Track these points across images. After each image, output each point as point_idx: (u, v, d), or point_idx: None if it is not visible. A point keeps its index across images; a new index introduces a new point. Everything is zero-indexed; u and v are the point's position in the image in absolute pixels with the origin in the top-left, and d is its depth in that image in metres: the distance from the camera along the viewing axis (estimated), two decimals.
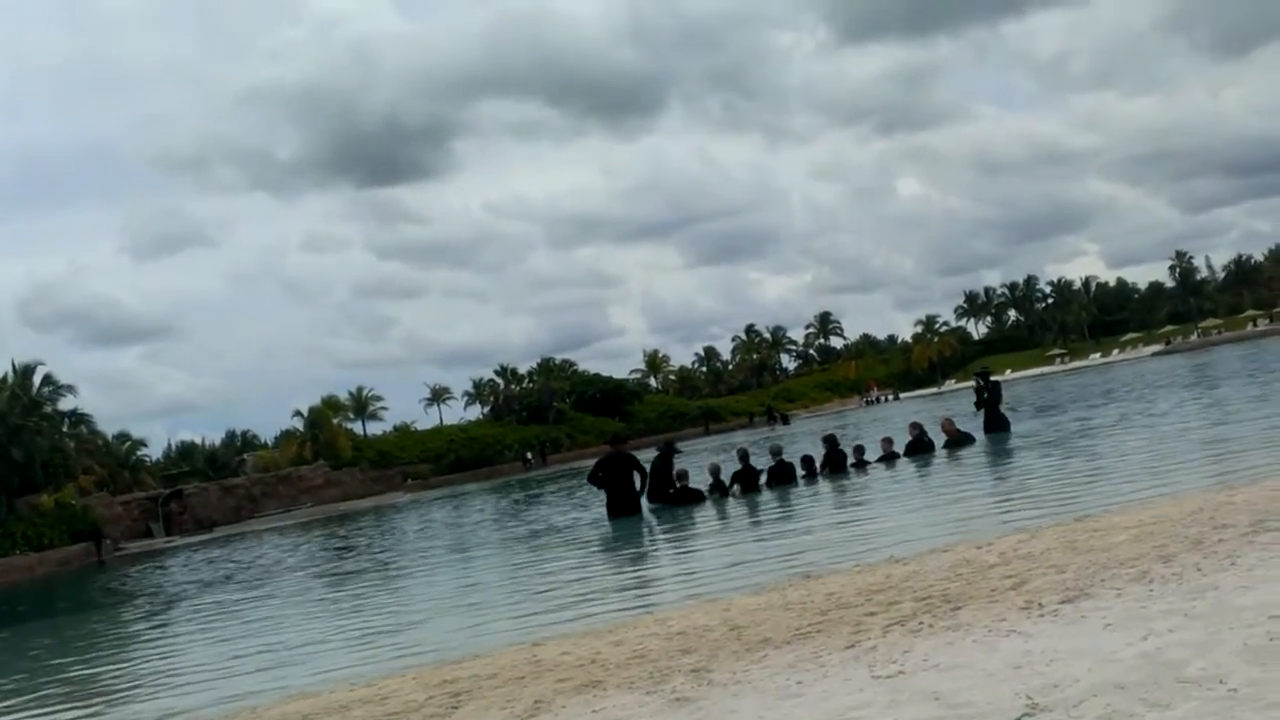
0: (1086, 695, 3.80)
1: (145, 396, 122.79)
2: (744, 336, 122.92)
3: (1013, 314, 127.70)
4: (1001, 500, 11.93)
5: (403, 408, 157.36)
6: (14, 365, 52.96)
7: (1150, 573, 5.75)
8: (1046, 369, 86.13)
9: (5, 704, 10.18)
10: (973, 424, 20.44)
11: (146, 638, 14.90)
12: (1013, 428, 20.58)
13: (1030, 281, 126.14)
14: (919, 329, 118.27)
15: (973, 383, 22.43)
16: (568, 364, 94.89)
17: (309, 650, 10.22)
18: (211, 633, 13.55)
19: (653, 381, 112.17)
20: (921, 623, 5.71)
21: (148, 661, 12.10)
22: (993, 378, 21.28)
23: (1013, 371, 78.72)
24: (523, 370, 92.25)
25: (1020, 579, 6.35)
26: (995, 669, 4.41)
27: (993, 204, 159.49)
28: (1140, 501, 9.17)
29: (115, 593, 25.69)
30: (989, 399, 20.46)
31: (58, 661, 13.30)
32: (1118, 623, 4.78)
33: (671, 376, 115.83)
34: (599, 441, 62.70)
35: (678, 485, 17.88)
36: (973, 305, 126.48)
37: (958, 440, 18.95)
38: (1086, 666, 4.16)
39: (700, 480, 18.59)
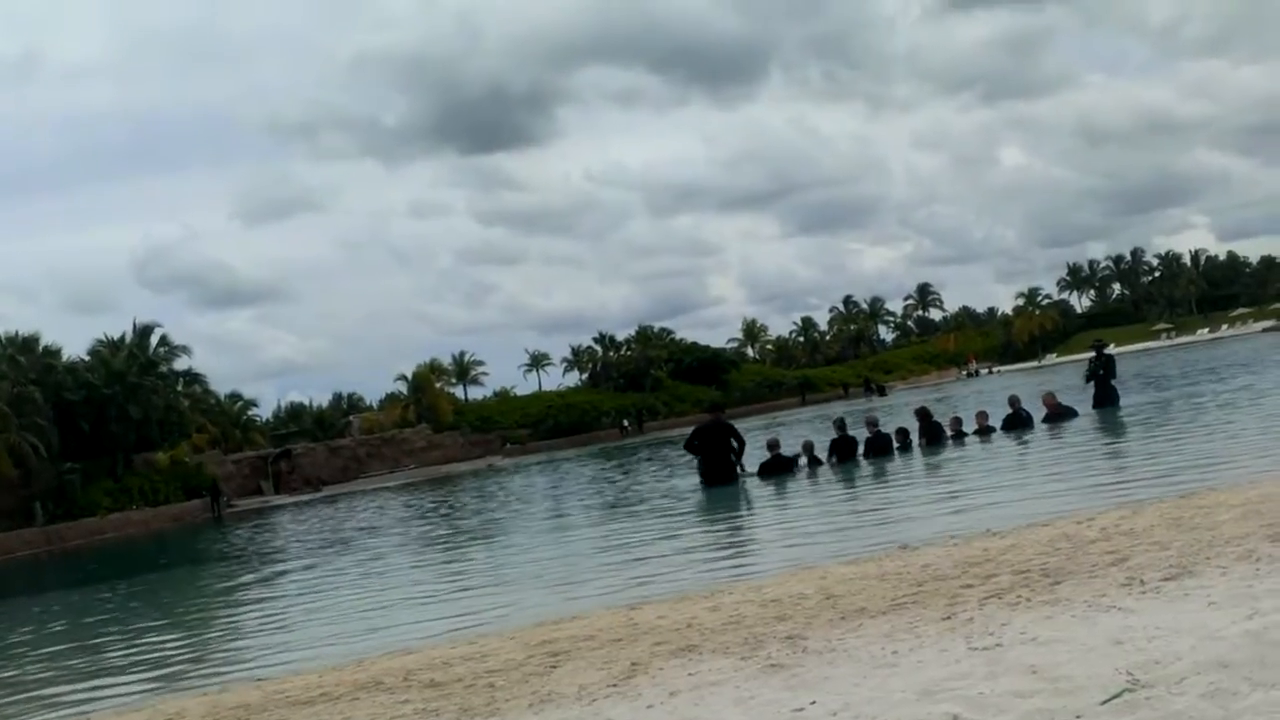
0: (1189, 673, 3.76)
1: (256, 358, 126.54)
2: (841, 308, 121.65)
3: (1117, 287, 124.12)
4: (1102, 475, 11.72)
5: (503, 373, 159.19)
6: (134, 325, 54.98)
7: (1256, 551, 5.63)
8: (1152, 344, 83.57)
9: (142, 642, 10.72)
10: (1080, 397, 20.01)
11: (258, 592, 15.48)
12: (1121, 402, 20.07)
13: (1136, 254, 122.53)
14: (1020, 302, 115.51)
15: (1087, 354, 21.86)
16: (665, 332, 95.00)
17: (412, 607, 10.54)
18: (319, 588, 14.01)
19: (750, 351, 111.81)
20: (1019, 596, 5.68)
21: (256, 616, 12.60)
22: (1107, 350, 20.69)
23: (1117, 346, 75.94)
24: (621, 338, 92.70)
25: (1121, 555, 6.27)
26: (1095, 644, 4.38)
27: (1098, 174, 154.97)
28: (1248, 479, 8.93)
29: (233, 547, 26.67)
30: (1102, 372, 19.92)
31: (177, 609, 13.93)
32: (1222, 601, 4.71)
33: (769, 346, 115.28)
34: (695, 410, 62.92)
35: (770, 455, 17.89)
36: (1076, 278, 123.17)
37: (1058, 414, 18.57)
38: (1189, 644, 4.12)
39: (792, 451, 18.56)
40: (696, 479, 18.00)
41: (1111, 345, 21.13)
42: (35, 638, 13.08)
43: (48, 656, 11.25)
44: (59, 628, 13.62)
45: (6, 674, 10.35)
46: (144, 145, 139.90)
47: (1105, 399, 19.68)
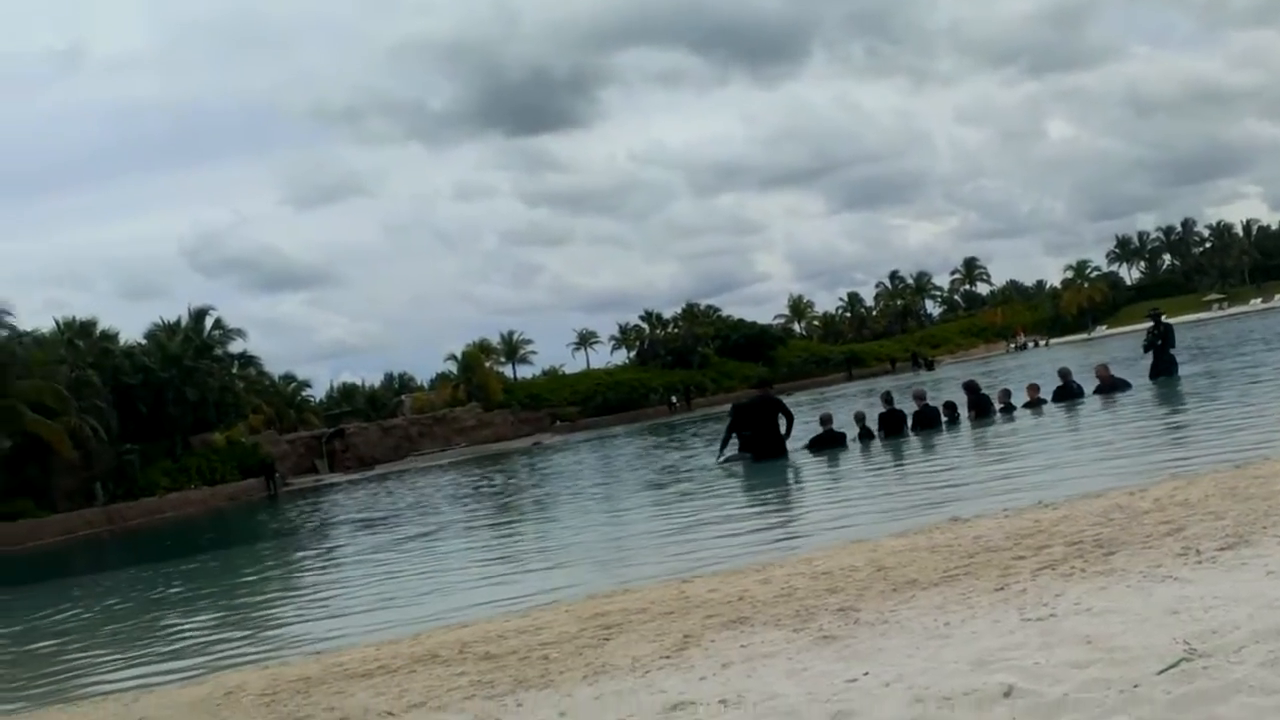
0: (1248, 641, 3.73)
1: (309, 340, 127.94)
2: (887, 283, 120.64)
3: (1168, 259, 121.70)
4: (1157, 446, 11.58)
5: (551, 352, 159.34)
6: (188, 309, 55.78)
7: None
8: (1204, 315, 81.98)
9: (198, 620, 10.96)
10: (1135, 369, 19.73)
11: (315, 568, 15.72)
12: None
13: (1187, 225, 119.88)
14: (1069, 274, 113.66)
15: (1139, 326, 21.55)
16: (712, 309, 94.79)
17: (467, 582, 10.66)
18: (376, 564, 14.19)
19: (796, 327, 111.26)
20: (1073, 567, 5.64)
21: (314, 592, 12.82)
22: (1165, 319, 20.34)
23: (1168, 318, 74.87)
24: (667, 315, 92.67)
25: (1177, 525, 6.20)
26: (1151, 614, 4.35)
27: (1147, 145, 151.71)
28: None
29: (289, 524, 27.11)
30: (1160, 342, 19.59)
31: (236, 585, 14.20)
32: None
33: (815, 322, 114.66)
34: (743, 386, 62.82)
35: (822, 429, 17.86)
36: (1125, 250, 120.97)
37: (1111, 386, 18.33)
38: (1247, 613, 4.07)
39: (845, 425, 18.50)
40: (745, 453, 17.92)
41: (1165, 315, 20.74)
42: (98, 614, 13.38)
43: (111, 632, 11.52)
44: (121, 604, 13.92)
45: (72, 648, 10.62)
46: (190, 134, 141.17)
47: (1163, 369, 19.33)
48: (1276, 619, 3.93)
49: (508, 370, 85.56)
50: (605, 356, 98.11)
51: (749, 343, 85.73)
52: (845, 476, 14.80)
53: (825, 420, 18.20)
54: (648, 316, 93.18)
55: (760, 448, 17.51)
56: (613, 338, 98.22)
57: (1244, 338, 34.54)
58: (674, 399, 72.59)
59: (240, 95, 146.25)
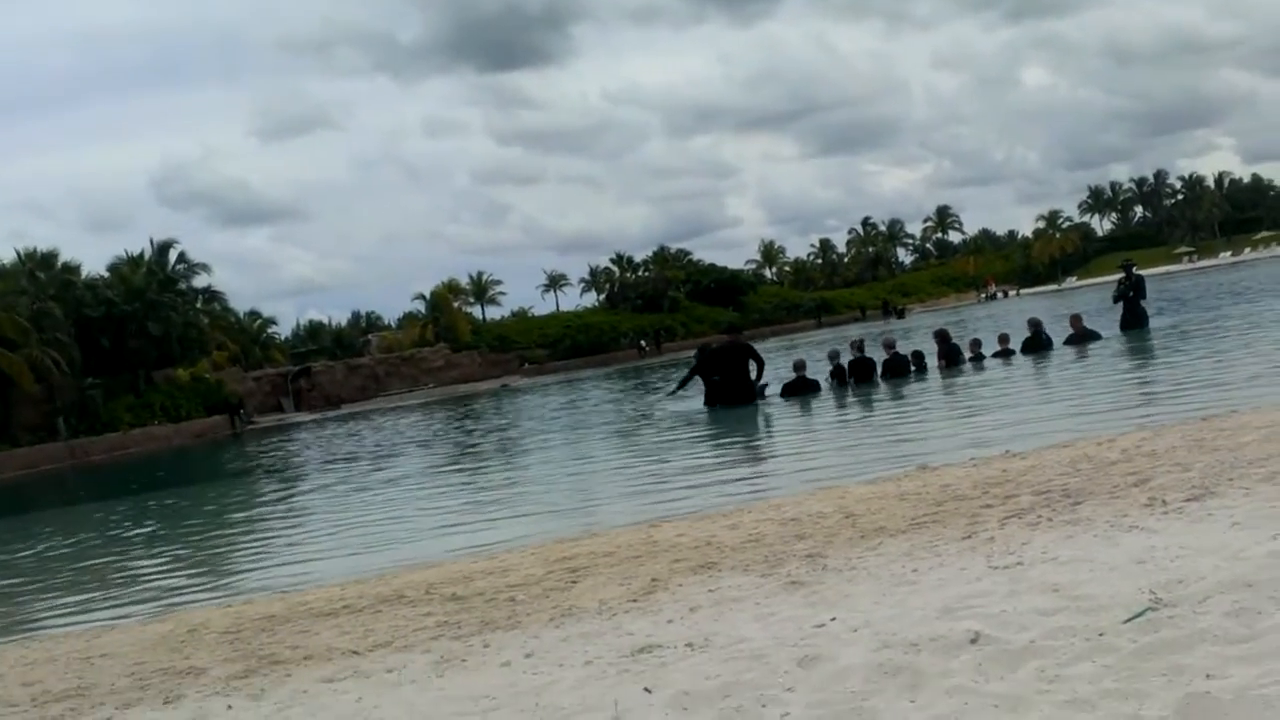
0: (1213, 591, 3.75)
1: (275, 276, 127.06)
2: (860, 230, 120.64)
3: (1140, 210, 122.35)
4: (1124, 397, 11.66)
5: (521, 293, 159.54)
6: (151, 242, 55.03)
7: None
8: (1173, 267, 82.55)
9: (169, 555, 10.90)
10: (1106, 320, 19.83)
11: (280, 508, 15.66)
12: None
13: (1159, 176, 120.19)
14: (1041, 224, 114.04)
15: (1110, 277, 21.62)
16: (683, 253, 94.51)
17: (432, 523, 10.64)
18: (341, 505, 14.16)
19: (767, 273, 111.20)
20: (1040, 516, 5.67)
21: (279, 531, 12.77)
22: (1136, 271, 20.38)
23: (1139, 269, 75.33)
24: (639, 259, 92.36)
25: (1143, 476, 6.24)
26: (1117, 563, 4.37)
27: (1124, 95, 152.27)
28: (1271, 403, 8.86)
29: (254, 462, 26.98)
30: (1132, 294, 19.64)
31: (201, 524, 14.13)
32: (1246, 521, 4.68)
33: (786, 268, 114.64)
34: (713, 331, 62.79)
35: (795, 376, 17.87)
36: (1098, 200, 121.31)
37: (1083, 337, 18.43)
38: (1213, 563, 4.10)
39: (819, 370, 18.53)
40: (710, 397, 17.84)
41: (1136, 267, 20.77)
42: (61, 550, 13.29)
43: (75, 569, 11.44)
44: (86, 540, 13.83)
45: (36, 583, 10.54)
46: (158, 62, 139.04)
47: (1134, 321, 19.37)
48: (1241, 570, 3.95)
49: (476, 311, 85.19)
50: (575, 299, 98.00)
51: (720, 287, 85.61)
52: (814, 424, 14.84)
53: (799, 366, 18.21)
54: (618, 259, 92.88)
55: (729, 394, 17.49)
56: (583, 280, 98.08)
57: (1212, 290, 34.85)
58: (643, 343, 72.54)
59: (209, 23, 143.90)
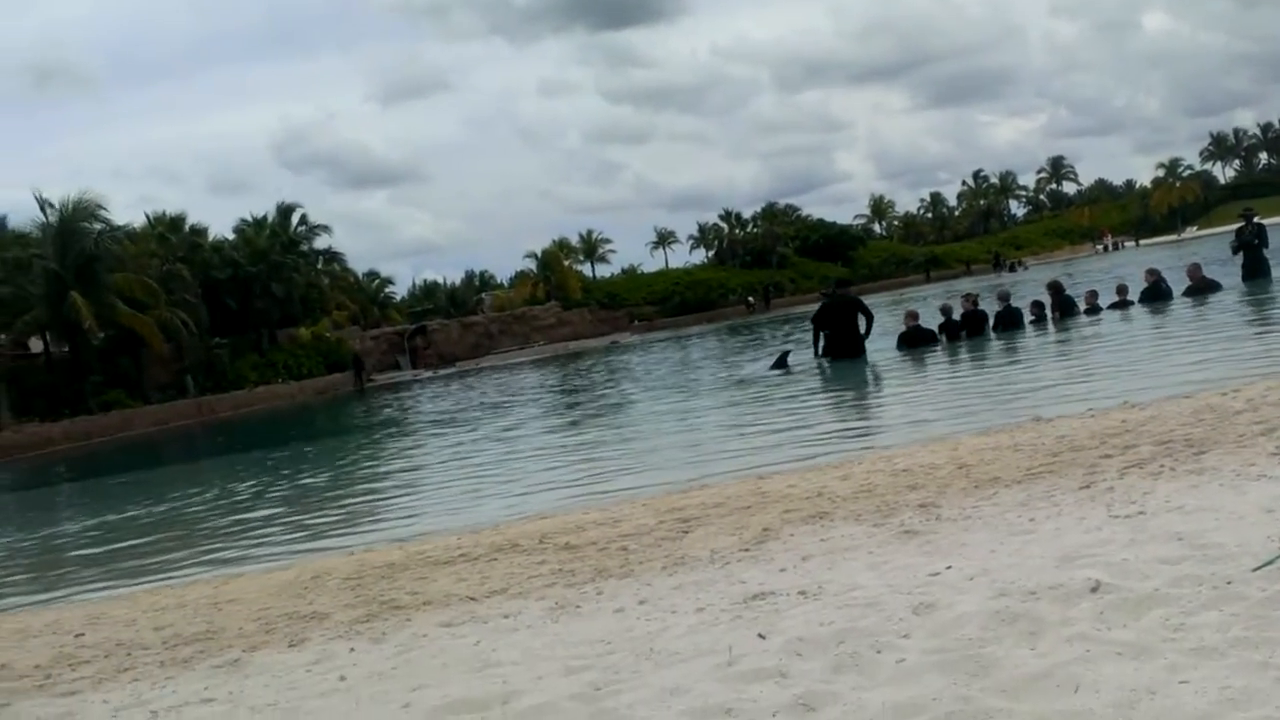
0: None
1: (392, 237, 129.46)
2: (971, 182, 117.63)
3: (1264, 157, 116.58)
4: (1248, 347, 11.21)
5: (630, 251, 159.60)
6: (276, 206, 56.51)
7: None
8: None
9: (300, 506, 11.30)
10: (1227, 270, 19.06)
11: (401, 460, 16.08)
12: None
13: None
14: (1159, 173, 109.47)
15: (1234, 225, 20.68)
16: (792, 209, 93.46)
17: (548, 476, 10.80)
18: (458, 458, 14.46)
19: (877, 228, 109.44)
20: (1162, 466, 5.52)
21: (401, 481, 13.12)
22: (1257, 219, 19.48)
23: (1262, 218, 71.77)
24: (747, 215, 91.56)
25: (1270, 425, 6.02)
26: (1244, 512, 4.24)
27: (1249, 38, 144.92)
28: None
29: (376, 417, 27.70)
30: (1257, 241, 18.79)
31: (325, 475, 14.59)
32: None
33: (896, 223, 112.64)
34: (821, 287, 62.15)
35: (908, 327, 17.66)
36: (1220, 147, 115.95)
37: (1202, 287, 17.74)
38: None
39: (931, 321, 18.24)
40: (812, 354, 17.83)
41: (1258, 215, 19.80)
42: (192, 501, 13.85)
43: (204, 516, 11.93)
44: (213, 492, 14.39)
45: (171, 533, 11.02)
46: (278, 28, 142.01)
47: (1257, 270, 18.55)
48: None
49: (586, 269, 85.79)
50: (684, 256, 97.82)
51: (828, 243, 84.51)
52: (925, 376, 14.63)
53: (911, 316, 17.98)
54: (727, 216, 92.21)
55: (840, 347, 17.40)
56: (691, 237, 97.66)
57: None
58: (750, 299, 72.10)
59: None
